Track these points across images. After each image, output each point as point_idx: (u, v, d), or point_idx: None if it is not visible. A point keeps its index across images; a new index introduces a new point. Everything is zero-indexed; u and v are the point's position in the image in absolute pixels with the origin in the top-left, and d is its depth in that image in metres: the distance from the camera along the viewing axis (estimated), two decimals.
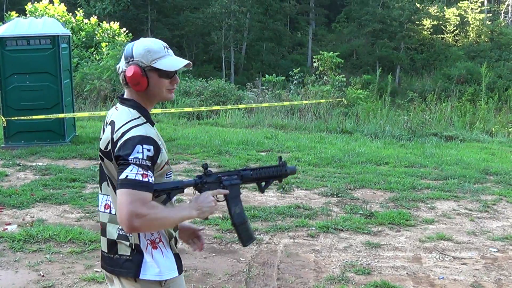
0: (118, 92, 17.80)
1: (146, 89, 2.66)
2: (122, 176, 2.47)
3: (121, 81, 2.71)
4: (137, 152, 2.49)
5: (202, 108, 15.70)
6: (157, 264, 2.65)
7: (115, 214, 2.60)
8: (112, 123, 2.62)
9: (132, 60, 2.64)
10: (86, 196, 7.64)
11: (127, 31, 23.40)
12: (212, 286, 5.05)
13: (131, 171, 2.47)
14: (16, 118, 10.82)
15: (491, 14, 49.39)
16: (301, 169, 9.50)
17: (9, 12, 22.46)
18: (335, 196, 7.99)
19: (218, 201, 2.77)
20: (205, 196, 2.70)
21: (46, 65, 10.96)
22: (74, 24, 22.18)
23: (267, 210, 7.21)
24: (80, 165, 9.54)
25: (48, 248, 5.79)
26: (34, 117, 10.79)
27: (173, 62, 2.68)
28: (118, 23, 23.62)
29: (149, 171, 2.50)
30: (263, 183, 2.96)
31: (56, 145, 10.88)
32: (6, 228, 6.38)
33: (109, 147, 2.58)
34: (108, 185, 2.68)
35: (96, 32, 22.37)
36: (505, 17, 48.83)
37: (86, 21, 22.82)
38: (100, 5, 35.53)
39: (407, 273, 5.42)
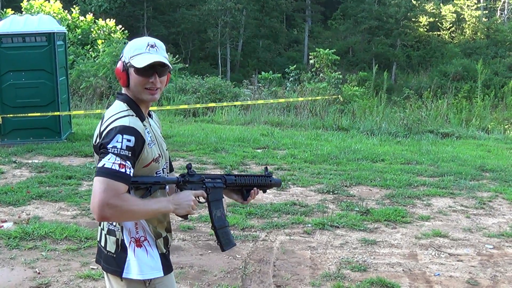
0: (114, 90, 17.79)
1: (129, 86, 2.66)
2: (100, 164, 2.45)
3: None
4: (116, 141, 2.47)
5: (198, 105, 15.69)
6: (140, 263, 2.63)
7: None
8: (102, 117, 2.63)
9: (122, 56, 2.68)
10: (82, 193, 7.63)
11: (123, 28, 23.35)
12: (208, 283, 5.05)
13: (108, 159, 2.44)
14: (11, 115, 10.80)
15: (487, 11, 49.46)
16: (297, 166, 9.51)
17: (4, 10, 22.40)
18: (331, 193, 7.99)
19: (199, 202, 2.75)
20: (186, 194, 2.69)
21: (42, 63, 10.93)
22: (70, 22, 22.14)
23: (263, 207, 7.21)
24: (76, 162, 9.53)
25: (44, 246, 5.78)
26: (29, 114, 10.77)
27: (145, 59, 2.59)
28: (114, 20, 23.56)
29: (127, 161, 2.46)
30: (245, 191, 2.96)
31: (52, 143, 10.86)
32: (2, 226, 6.37)
33: (98, 140, 2.57)
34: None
35: (92, 30, 22.34)
36: (501, 14, 48.87)
37: (82, 18, 22.78)
38: (96, 2, 35.50)
39: (403, 270, 5.43)
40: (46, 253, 5.62)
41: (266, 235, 6.28)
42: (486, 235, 6.47)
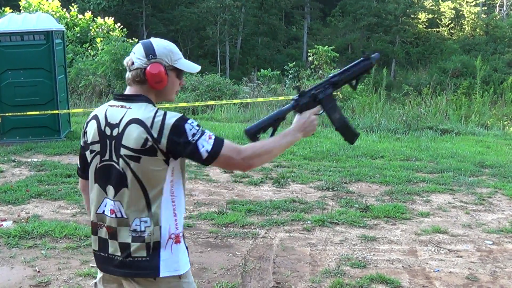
0: (113, 88, 17.77)
1: (162, 88, 2.70)
2: (204, 149, 2.56)
3: (131, 77, 2.69)
4: (190, 129, 2.56)
5: (197, 103, 15.68)
6: (178, 258, 2.67)
7: (125, 218, 2.64)
8: (137, 121, 2.58)
9: (155, 58, 2.65)
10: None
11: (121, 26, 23.37)
12: (208, 280, 5.05)
13: (204, 141, 2.57)
14: (10, 114, 10.80)
15: (486, 8, 49.46)
16: (297, 163, 9.51)
17: (3, 8, 22.38)
18: (330, 190, 7.99)
19: (318, 114, 2.91)
20: (306, 116, 2.85)
21: (40, 61, 10.93)
22: (68, 20, 22.15)
23: (263, 204, 7.21)
24: (75, 160, 9.51)
25: (43, 244, 5.78)
26: (28, 113, 10.76)
27: (191, 64, 2.77)
28: (113, 18, 23.60)
29: (208, 130, 2.63)
30: (354, 82, 3.06)
31: (51, 141, 10.86)
32: (2, 224, 6.37)
33: (149, 143, 2.55)
34: (117, 189, 2.65)
35: (90, 28, 22.35)
36: (500, 10, 48.86)
37: (80, 16, 22.78)
38: (95, 0, 35.48)
39: (402, 266, 5.43)
40: (45, 251, 5.62)
41: (265, 232, 6.28)
42: (485, 231, 6.47)
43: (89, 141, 2.72)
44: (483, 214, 7.13)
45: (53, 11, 21.07)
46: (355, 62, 3.02)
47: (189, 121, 2.58)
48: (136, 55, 2.68)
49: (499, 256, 5.73)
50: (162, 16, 41.99)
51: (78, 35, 21.99)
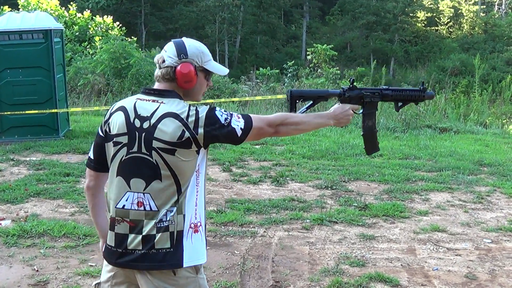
0: (111, 86, 17.75)
1: (191, 88, 2.77)
2: (238, 127, 2.71)
3: (161, 74, 2.75)
4: (221, 116, 2.70)
5: (196, 102, 15.67)
6: (197, 248, 2.73)
7: (155, 210, 2.66)
8: (173, 114, 2.65)
9: (186, 58, 2.72)
10: (80, 190, 7.62)
11: (120, 25, 23.34)
12: (206, 279, 5.01)
13: (235, 121, 2.71)
14: (9, 113, 10.78)
15: (484, 6, 49.49)
16: (296, 162, 9.51)
17: (1, 7, 22.34)
18: (329, 189, 8.00)
19: (355, 113, 3.08)
20: (345, 108, 3.02)
21: (39, 60, 10.91)
22: (67, 18, 22.11)
23: (262, 203, 7.21)
24: (74, 159, 9.52)
25: (42, 243, 5.78)
26: (27, 112, 10.75)
27: (221, 67, 2.87)
28: (112, 17, 23.55)
29: (236, 113, 2.77)
30: (400, 103, 3.21)
31: (50, 140, 10.85)
32: (0, 224, 6.37)
33: (186, 135, 2.62)
34: (148, 182, 2.68)
35: (89, 26, 22.30)
36: (499, 8, 48.86)
37: (79, 15, 22.74)
38: None
39: (401, 265, 5.43)
40: (44, 250, 5.62)
41: (264, 231, 6.28)
42: (484, 230, 6.48)
43: (113, 132, 2.74)
44: (482, 212, 7.14)
45: (51, 9, 21.03)
46: (411, 88, 3.21)
47: (217, 109, 2.72)
48: (167, 54, 2.75)
49: (497, 255, 5.74)
50: (161, 14, 41.94)
51: (77, 33, 21.95)
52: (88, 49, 20.88)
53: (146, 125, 2.66)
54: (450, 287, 4.97)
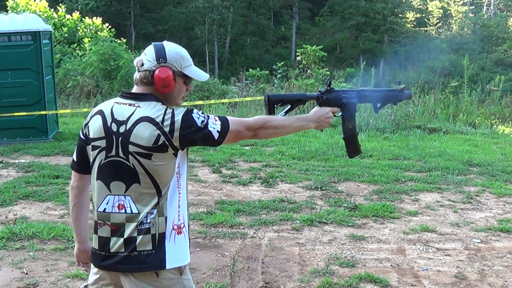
0: (101, 88, 17.70)
1: (169, 92, 2.73)
2: (214, 130, 2.67)
3: (139, 77, 2.73)
4: (197, 118, 2.66)
5: (186, 103, 15.64)
6: (180, 250, 2.72)
7: (136, 212, 2.66)
8: (148, 119, 2.62)
9: (165, 63, 2.69)
10: (69, 192, 7.58)
11: (110, 27, 23.29)
12: (196, 281, 5.04)
13: (212, 122, 2.69)
14: None
15: (473, 7, 49.70)
16: (285, 163, 9.52)
17: None
18: (319, 190, 8.00)
19: (334, 115, 3.08)
20: (325, 111, 3.02)
21: (28, 62, 10.88)
22: (56, 20, 22.05)
23: (251, 204, 7.21)
24: (63, 161, 9.49)
25: (31, 246, 5.75)
26: (16, 114, 10.70)
27: (200, 72, 2.84)
28: (101, 18, 23.49)
29: (211, 115, 2.73)
30: (379, 104, 3.20)
31: (39, 142, 10.81)
32: None
33: (161, 139, 2.60)
34: (128, 184, 2.67)
35: (78, 28, 22.25)
36: (488, 9, 49.09)
37: (68, 16, 22.68)
38: (83, 1, 35.38)
39: (391, 265, 5.44)
40: (33, 253, 5.59)
41: (254, 232, 6.28)
42: (473, 230, 6.50)
43: (91, 136, 2.74)
44: (471, 212, 7.16)
45: (40, 11, 20.97)
46: (389, 89, 3.18)
47: (194, 111, 2.68)
48: (147, 57, 2.72)
49: (487, 255, 5.76)
50: (150, 16, 41.91)
51: (66, 35, 21.89)
52: (77, 51, 20.82)
53: (122, 129, 2.65)
54: (440, 287, 4.98)
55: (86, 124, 2.79)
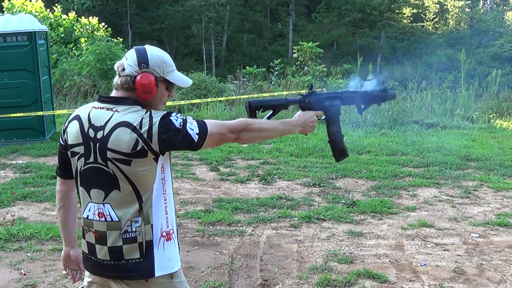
0: (98, 88, 17.69)
1: (150, 99, 2.64)
2: (193, 132, 2.59)
3: (120, 83, 2.63)
4: (175, 120, 2.57)
5: (183, 102, 15.63)
6: (170, 256, 2.67)
7: (116, 220, 2.60)
8: (126, 124, 2.53)
9: (147, 68, 2.60)
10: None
11: (106, 26, 23.26)
12: (195, 279, 5.04)
13: (190, 123, 2.60)
14: None
15: (470, 1, 49.65)
16: (283, 160, 9.52)
17: None
18: (317, 186, 8.00)
19: (318, 119, 3.03)
20: (309, 115, 2.97)
21: (24, 62, 10.86)
22: (52, 20, 22.02)
23: (249, 201, 7.20)
24: None
25: (29, 246, 5.75)
26: (12, 114, 10.69)
27: (183, 78, 2.75)
28: (97, 18, 23.46)
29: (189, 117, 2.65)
30: (363, 106, 3.13)
31: (36, 143, 10.80)
32: None
33: (140, 145, 2.51)
34: (106, 192, 2.60)
35: (74, 28, 22.23)
36: (484, 4, 49.09)
37: (64, 16, 22.65)
38: (79, 0, 35.29)
39: (389, 261, 5.44)
40: (31, 254, 5.59)
41: (252, 230, 6.28)
42: (471, 224, 6.50)
43: (70, 142, 2.66)
44: (469, 207, 7.16)
45: (36, 11, 20.94)
46: (372, 89, 3.10)
47: (172, 114, 2.58)
48: (128, 62, 2.62)
49: (485, 249, 5.76)
50: (146, 15, 41.81)
51: (62, 35, 21.86)
52: (74, 51, 20.79)
53: (99, 135, 2.57)
54: (439, 282, 4.98)
55: (64, 130, 2.71)
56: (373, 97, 3.11)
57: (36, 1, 21.65)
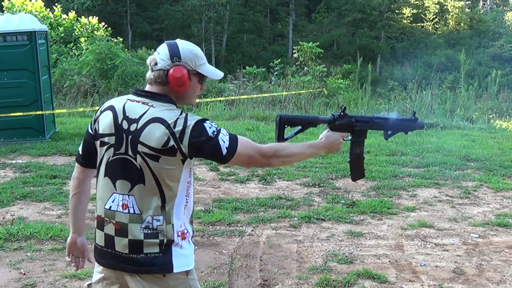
0: (98, 87, 17.68)
1: (183, 92, 2.68)
2: (224, 144, 2.61)
3: (153, 77, 2.67)
4: (209, 128, 2.60)
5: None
6: (187, 254, 2.71)
7: (138, 213, 2.63)
8: (160, 120, 2.58)
9: (179, 61, 2.64)
10: (66, 192, 7.57)
11: (106, 26, 23.25)
12: None
13: (223, 134, 2.63)
14: None
15: (470, 2, 49.64)
16: None
17: None
18: (317, 186, 8.00)
19: (344, 140, 3.04)
20: (336, 138, 2.98)
21: (24, 62, 10.84)
22: (52, 20, 22.01)
23: (249, 201, 7.20)
24: (60, 161, 9.47)
25: (29, 246, 5.74)
26: (12, 114, 10.68)
27: (215, 70, 2.78)
28: (97, 17, 23.46)
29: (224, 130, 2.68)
30: (389, 132, 3.16)
31: (36, 142, 10.78)
32: None
33: (171, 143, 2.55)
34: (133, 184, 2.64)
35: (74, 27, 22.22)
36: (484, 4, 49.10)
37: (64, 16, 22.64)
38: (78, 0, 35.26)
39: (389, 261, 5.44)
40: (31, 253, 5.58)
41: (252, 230, 6.28)
42: (471, 225, 6.50)
43: (101, 132, 2.70)
44: (469, 207, 7.17)
45: (36, 11, 20.93)
46: (403, 117, 3.14)
47: (207, 121, 2.62)
48: (160, 56, 2.67)
49: (485, 249, 5.76)
50: (146, 14, 41.81)
51: (62, 35, 21.85)
52: (73, 50, 20.78)
53: (133, 127, 2.61)
54: (438, 282, 4.98)
55: (96, 119, 2.74)
56: (402, 126, 3.14)
57: (36, 1, 21.64)
